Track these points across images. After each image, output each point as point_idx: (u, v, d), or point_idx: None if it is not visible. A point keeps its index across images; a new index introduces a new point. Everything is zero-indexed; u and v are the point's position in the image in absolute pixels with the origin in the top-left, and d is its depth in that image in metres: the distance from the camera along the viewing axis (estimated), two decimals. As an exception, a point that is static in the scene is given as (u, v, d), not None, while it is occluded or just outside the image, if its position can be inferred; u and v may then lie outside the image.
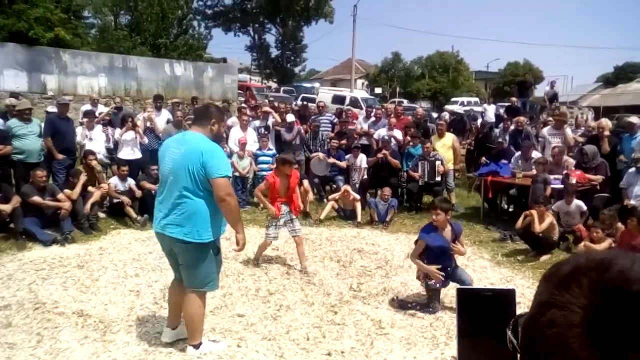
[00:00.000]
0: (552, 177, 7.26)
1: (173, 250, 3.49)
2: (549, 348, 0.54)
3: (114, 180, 7.66)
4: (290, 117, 9.64)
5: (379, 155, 8.60)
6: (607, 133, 7.74)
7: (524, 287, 5.20)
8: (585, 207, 6.64)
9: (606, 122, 8.10)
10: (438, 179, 8.26)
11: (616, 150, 7.65)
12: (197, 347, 3.61)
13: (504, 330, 0.74)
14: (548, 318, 0.55)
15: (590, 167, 7.24)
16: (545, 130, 8.51)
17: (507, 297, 0.82)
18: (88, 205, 6.96)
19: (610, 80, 39.74)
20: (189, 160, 3.28)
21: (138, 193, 7.48)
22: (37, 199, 6.50)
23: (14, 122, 7.45)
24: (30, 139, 7.41)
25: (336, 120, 10.51)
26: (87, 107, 10.67)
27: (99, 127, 8.69)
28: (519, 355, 0.65)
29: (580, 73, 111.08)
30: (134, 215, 7.21)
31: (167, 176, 3.39)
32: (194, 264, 3.43)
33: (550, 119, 10.42)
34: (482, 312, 0.80)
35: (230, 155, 8.27)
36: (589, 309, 0.52)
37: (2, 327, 4.04)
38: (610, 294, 0.52)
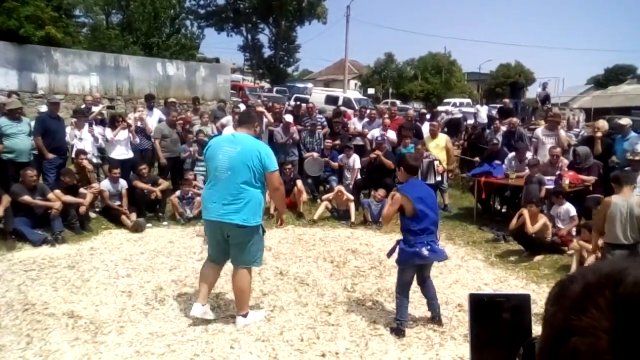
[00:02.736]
0: (546, 178, 7.28)
1: (224, 235, 3.98)
2: None
3: (106, 184, 7.44)
4: (289, 118, 9.62)
5: (372, 155, 8.59)
6: (599, 134, 7.78)
7: (517, 287, 5.21)
8: (574, 212, 6.59)
9: (602, 123, 8.14)
10: (439, 178, 8.24)
11: (609, 152, 7.69)
12: (245, 316, 4.12)
13: (519, 339, 0.70)
14: (571, 348, 0.50)
15: (583, 168, 7.27)
16: (539, 131, 8.54)
17: (521, 302, 0.78)
18: (83, 209, 6.88)
19: (600, 82, 40.15)
20: (247, 157, 3.86)
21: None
22: (27, 198, 6.42)
23: (3, 121, 7.34)
24: (20, 138, 7.32)
25: (325, 122, 10.43)
26: (83, 106, 10.48)
27: (87, 127, 8.54)
28: None
29: (571, 75, 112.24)
30: (129, 222, 7.11)
31: (224, 171, 3.89)
32: (247, 244, 4.00)
33: (540, 121, 10.52)
34: (495, 318, 0.77)
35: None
36: (614, 331, 0.48)
37: (-9, 328, 3.98)
38: (631, 310, 0.48)
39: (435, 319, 4.27)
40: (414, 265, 4.12)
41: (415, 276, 4.24)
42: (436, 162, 8.20)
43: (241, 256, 4.04)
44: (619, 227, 4.41)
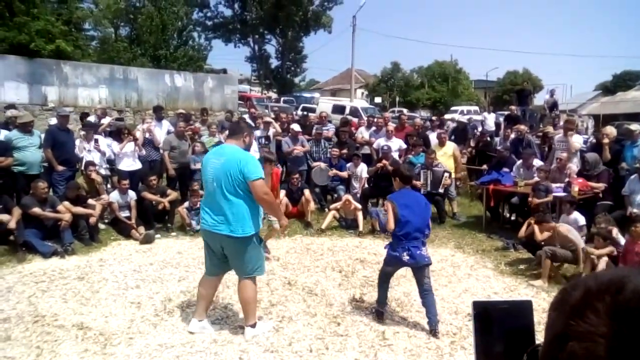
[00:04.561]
0: (554, 185, 7.22)
1: (221, 245, 3.99)
2: None
3: (115, 195, 7.49)
4: (296, 127, 9.66)
5: (378, 165, 8.58)
6: (606, 141, 7.71)
7: (528, 296, 5.15)
8: (583, 222, 6.48)
9: (610, 130, 8.08)
10: (441, 190, 8.21)
11: (618, 158, 7.63)
12: (253, 326, 4.13)
13: (522, 345, 0.71)
14: (568, 352, 0.51)
15: (592, 175, 7.21)
16: (556, 139, 8.54)
17: (524, 309, 0.80)
18: (93, 220, 6.91)
19: (609, 89, 39.88)
20: (228, 168, 3.86)
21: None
22: (37, 210, 6.48)
23: (14, 134, 7.45)
24: (30, 150, 7.40)
25: (333, 130, 10.53)
26: (92, 118, 10.60)
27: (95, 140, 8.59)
28: None
29: (579, 81, 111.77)
30: (138, 236, 7.11)
31: (211, 183, 3.95)
32: (242, 255, 3.98)
33: (548, 127, 10.55)
34: (499, 325, 0.78)
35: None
36: (611, 337, 0.48)
37: (1, 340, 4.00)
38: (630, 317, 0.48)
39: (431, 331, 4.28)
40: (394, 265, 4.42)
41: (416, 284, 4.44)
42: (446, 175, 8.17)
43: (240, 267, 4.06)
44: None
